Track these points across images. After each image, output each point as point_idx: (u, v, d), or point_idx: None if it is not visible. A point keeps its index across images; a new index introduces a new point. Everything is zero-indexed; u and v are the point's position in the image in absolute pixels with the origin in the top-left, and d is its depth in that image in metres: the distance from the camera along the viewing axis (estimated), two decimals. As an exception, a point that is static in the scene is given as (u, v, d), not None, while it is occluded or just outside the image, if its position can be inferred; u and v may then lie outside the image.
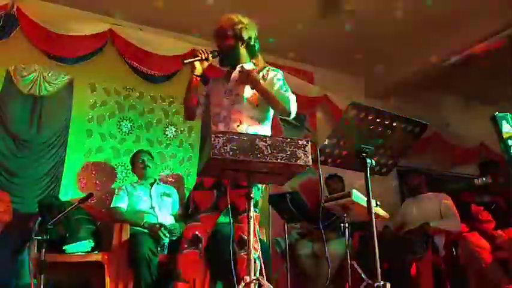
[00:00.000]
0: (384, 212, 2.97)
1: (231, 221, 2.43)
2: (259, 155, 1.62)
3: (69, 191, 3.72)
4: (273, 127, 4.91)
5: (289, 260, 3.31)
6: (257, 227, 2.14)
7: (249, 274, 1.69)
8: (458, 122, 6.10)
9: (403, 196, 5.30)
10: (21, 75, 3.78)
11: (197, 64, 2.29)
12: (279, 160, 1.64)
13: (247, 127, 2.24)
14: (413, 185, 4.09)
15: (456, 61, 4.64)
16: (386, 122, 1.94)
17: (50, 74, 3.89)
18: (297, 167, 1.71)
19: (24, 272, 2.53)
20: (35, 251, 2.77)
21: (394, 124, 1.96)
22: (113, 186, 3.88)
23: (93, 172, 3.89)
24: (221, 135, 1.62)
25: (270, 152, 1.64)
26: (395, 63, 5.10)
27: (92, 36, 4.07)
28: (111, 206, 3.38)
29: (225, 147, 1.60)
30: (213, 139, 1.60)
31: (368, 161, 1.94)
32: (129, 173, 3.97)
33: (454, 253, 3.68)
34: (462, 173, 5.82)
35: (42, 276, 2.13)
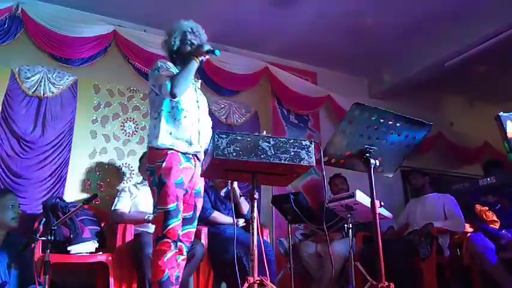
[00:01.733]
0: (388, 212, 2.97)
1: (235, 221, 2.44)
2: (262, 156, 1.63)
3: (74, 192, 3.74)
4: (276, 127, 4.98)
5: (293, 260, 3.31)
6: None
7: (252, 274, 1.69)
8: (462, 122, 6.09)
9: (407, 196, 5.29)
10: (25, 77, 3.80)
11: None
12: (282, 161, 1.64)
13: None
14: (418, 186, 4.07)
15: (459, 61, 4.62)
16: (390, 123, 1.94)
17: (54, 75, 3.92)
18: (301, 168, 1.71)
19: (29, 272, 2.54)
20: (40, 251, 2.79)
21: (398, 124, 1.96)
22: (117, 187, 3.89)
23: (98, 173, 3.91)
24: (224, 135, 1.62)
25: (273, 152, 1.64)
26: (399, 63, 5.10)
27: (96, 38, 4.09)
28: (112, 208, 3.37)
29: (229, 148, 1.60)
30: (216, 139, 1.60)
31: (372, 161, 1.94)
32: (133, 173, 3.99)
33: (459, 254, 3.67)
34: (466, 173, 5.80)
35: (47, 276, 2.13)
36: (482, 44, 4.34)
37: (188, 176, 2.30)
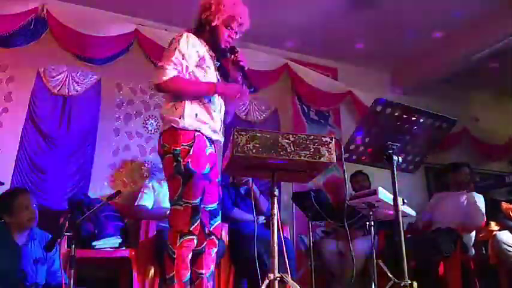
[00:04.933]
0: (411, 210, 2.92)
1: (255, 218, 2.43)
2: (282, 153, 1.62)
3: (98, 188, 3.82)
4: (296, 124, 4.95)
5: (314, 257, 3.29)
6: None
7: (273, 271, 1.69)
8: (487, 117, 5.92)
9: (431, 193, 5.19)
10: (51, 76, 3.90)
11: None
12: (302, 158, 1.63)
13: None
14: (464, 181, 3.89)
15: (485, 55, 4.49)
16: (413, 118, 1.90)
17: (78, 74, 4.00)
18: (321, 165, 1.70)
19: (55, 267, 2.60)
20: (65, 246, 2.86)
21: (421, 120, 1.92)
22: (140, 183, 3.93)
23: (121, 170, 3.97)
24: (244, 132, 1.62)
25: (293, 149, 1.63)
26: (422, 57, 4.99)
27: (118, 37, 4.15)
28: (136, 204, 3.43)
29: (248, 145, 1.60)
30: (236, 137, 1.61)
31: (394, 158, 1.91)
32: (156, 170, 4.04)
33: (484, 252, 3.58)
34: (492, 170, 5.65)
35: (72, 271, 2.18)
36: (508, 38, 4.21)
37: (211, 163, 2.08)
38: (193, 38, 2.11)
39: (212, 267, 2.18)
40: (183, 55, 2.04)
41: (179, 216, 1.98)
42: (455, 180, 3.90)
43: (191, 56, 2.07)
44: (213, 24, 2.15)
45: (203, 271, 2.11)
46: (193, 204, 1.97)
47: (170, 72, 1.99)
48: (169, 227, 2.03)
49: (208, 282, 2.12)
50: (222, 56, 2.26)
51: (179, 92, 2.06)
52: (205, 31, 2.18)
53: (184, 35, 2.10)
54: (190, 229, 1.96)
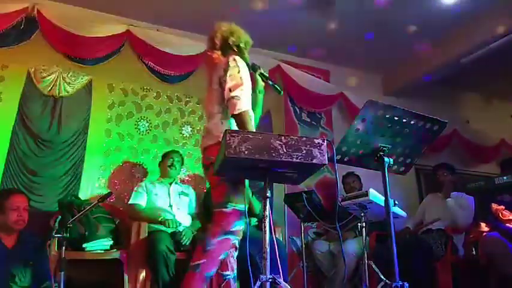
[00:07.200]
0: (402, 211, 2.93)
1: (247, 219, 2.44)
2: (274, 154, 1.62)
3: (89, 190, 3.79)
4: (288, 126, 4.95)
5: (306, 259, 3.30)
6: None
7: (264, 272, 1.69)
8: (478, 119, 5.98)
9: (421, 195, 5.23)
10: (41, 77, 3.86)
11: None
12: (294, 159, 1.64)
13: None
14: (445, 181, 3.92)
15: (475, 58, 4.54)
16: (404, 120, 1.91)
17: (69, 75, 3.97)
18: (313, 166, 1.70)
19: (44, 269, 2.57)
20: (55, 248, 2.83)
21: (412, 122, 1.93)
22: (131, 185, 3.91)
23: (112, 171, 3.95)
24: (236, 134, 1.62)
25: (285, 151, 1.63)
26: (414, 60, 5.03)
27: (110, 37, 4.12)
28: (130, 202, 3.43)
29: (240, 147, 1.60)
30: (228, 138, 1.61)
31: (386, 159, 1.92)
32: (147, 171, 4.02)
33: (474, 253, 3.62)
34: (482, 172, 5.70)
35: (62, 273, 2.16)
36: (498, 40, 4.26)
37: None
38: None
39: (236, 270, 2.22)
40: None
41: (224, 217, 2.08)
42: (436, 181, 4.00)
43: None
44: (241, 45, 2.45)
45: (228, 272, 2.18)
46: (239, 208, 2.09)
47: (245, 105, 2.14)
48: (212, 222, 2.12)
49: (234, 283, 2.18)
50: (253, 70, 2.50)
51: (244, 127, 2.11)
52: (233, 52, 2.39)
53: (242, 61, 2.30)
54: (232, 229, 2.07)
